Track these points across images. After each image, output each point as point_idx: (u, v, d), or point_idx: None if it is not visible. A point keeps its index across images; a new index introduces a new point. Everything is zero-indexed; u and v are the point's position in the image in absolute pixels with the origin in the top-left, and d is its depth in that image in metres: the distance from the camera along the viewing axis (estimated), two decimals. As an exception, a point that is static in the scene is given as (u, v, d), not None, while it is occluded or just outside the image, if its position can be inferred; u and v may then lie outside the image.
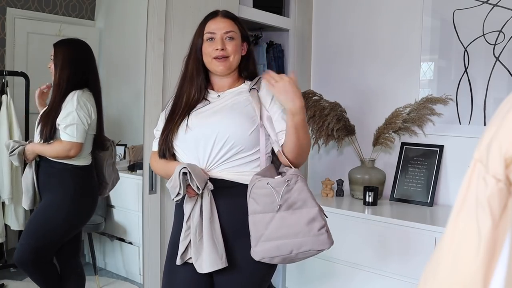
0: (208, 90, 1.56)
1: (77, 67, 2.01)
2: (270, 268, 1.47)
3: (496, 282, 0.51)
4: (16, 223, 2.09)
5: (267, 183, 1.34)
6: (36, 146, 1.96)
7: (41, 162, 1.98)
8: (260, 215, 1.35)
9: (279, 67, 2.91)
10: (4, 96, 2.00)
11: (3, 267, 2.15)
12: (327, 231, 1.37)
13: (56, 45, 2.02)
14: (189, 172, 1.35)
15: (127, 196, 2.38)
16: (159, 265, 2.13)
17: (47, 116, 1.94)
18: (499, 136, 0.52)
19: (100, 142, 2.12)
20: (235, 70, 1.55)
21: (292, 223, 1.34)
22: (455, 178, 2.43)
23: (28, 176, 1.95)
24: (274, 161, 1.54)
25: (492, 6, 2.27)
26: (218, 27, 1.50)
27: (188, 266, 1.43)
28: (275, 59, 2.90)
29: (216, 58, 1.48)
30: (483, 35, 2.31)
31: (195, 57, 1.54)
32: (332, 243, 1.37)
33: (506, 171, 0.51)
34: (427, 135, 2.52)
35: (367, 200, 2.41)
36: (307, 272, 2.46)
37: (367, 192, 2.41)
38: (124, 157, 2.41)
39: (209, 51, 1.49)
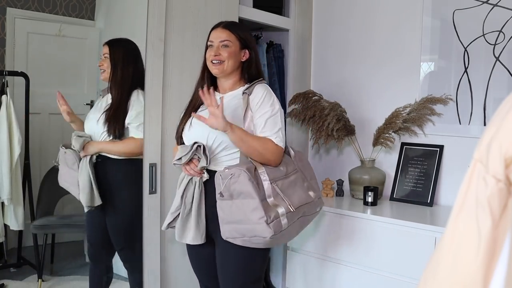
0: (216, 91, 1.78)
1: (137, 65, 2.04)
2: (255, 249, 1.65)
3: (496, 282, 0.51)
4: (15, 223, 2.09)
5: (220, 175, 1.58)
6: (102, 143, 1.96)
7: (102, 160, 1.97)
8: (220, 201, 1.60)
9: (279, 67, 2.91)
10: (4, 96, 2.00)
11: (3, 267, 2.15)
12: (267, 221, 1.54)
13: (112, 44, 2.04)
14: (203, 146, 1.63)
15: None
16: (159, 265, 2.13)
17: (116, 114, 1.96)
18: (499, 136, 0.52)
19: None
20: (234, 74, 1.78)
21: (240, 211, 1.56)
22: (455, 178, 2.43)
23: (85, 173, 1.91)
24: None
25: (492, 6, 2.27)
26: (216, 36, 1.76)
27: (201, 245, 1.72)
28: (275, 59, 2.90)
29: (212, 62, 1.74)
30: (483, 35, 2.31)
31: (204, 63, 1.81)
32: (272, 232, 1.54)
33: (506, 171, 0.51)
34: (427, 135, 2.52)
35: (367, 200, 2.41)
36: (307, 272, 2.46)
37: (367, 192, 2.41)
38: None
39: (208, 56, 1.77)
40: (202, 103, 1.76)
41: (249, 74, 1.79)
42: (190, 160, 1.65)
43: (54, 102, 2.04)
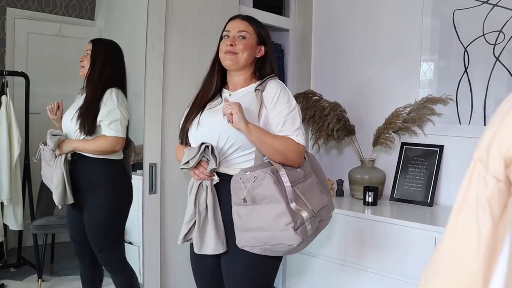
0: (224, 88, 1.70)
1: (116, 66, 2.03)
2: (267, 258, 1.55)
3: (496, 282, 0.51)
4: (15, 223, 2.09)
5: (240, 178, 1.45)
6: (75, 141, 1.94)
7: (78, 159, 1.95)
8: (237, 207, 1.48)
9: (279, 67, 2.91)
10: (4, 96, 2.00)
11: (3, 267, 2.15)
12: (294, 228, 1.43)
13: (96, 42, 2.03)
14: (211, 147, 1.51)
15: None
16: (159, 265, 2.13)
17: (87, 112, 1.93)
18: (499, 136, 0.52)
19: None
20: (246, 69, 1.66)
21: (262, 217, 1.44)
22: (455, 178, 2.43)
23: (58, 171, 1.89)
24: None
25: (492, 6, 2.27)
26: (233, 26, 1.66)
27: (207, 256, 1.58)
28: (275, 59, 2.90)
29: (226, 52, 1.62)
30: (483, 35, 2.31)
31: (215, 55, 1.70)
32: (300, 239, 1.44)
33: (506, 171, 0.51)
34: (427, 135, 2.52)
35: (367, 200, 2.41)
36: (307, 272, 2.46)
37: (367, 192, 2.41)
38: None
39: (222, 47, 1.65)
40: (210, 100, 1.66)
41: (262, 72, 1.68)
42: (198, 163, 1.52)
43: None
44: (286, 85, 2.95)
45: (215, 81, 1.68)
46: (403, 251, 2.11)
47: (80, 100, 2.00)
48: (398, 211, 2.33)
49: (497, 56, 2.28)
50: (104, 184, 1.99)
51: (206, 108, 1.64)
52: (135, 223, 2.23)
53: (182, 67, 2.18)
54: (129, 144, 2.12)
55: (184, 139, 1.68)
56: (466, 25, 2.36)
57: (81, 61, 2.00)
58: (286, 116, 1.55)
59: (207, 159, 1.51)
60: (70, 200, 1.89)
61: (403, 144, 2.58)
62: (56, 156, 1.91)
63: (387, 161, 2.65)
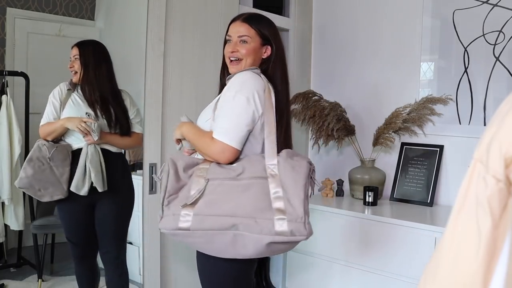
0: None
1: (108, 64, 2.07)
2: None
3: (496, 282, 0.51)
4: (15, 223, 2.09)
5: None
6: (109, 135, 2.04)
7: (103, 153, 2.01)
8: None
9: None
10: (4, 96, 2.00)
11: (3, 267, 2.15)
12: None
13: (81, 45, 2.03)
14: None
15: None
16: (159, 265, 2.13)
17: (118, 112, 2.07)
18: (499, 136, 0.52)
19: None
20: None
21: None
22: (455, 178, 2.43)
23: (96, 158, 1.95)
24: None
25: (492, 6, 2.27)
26: (234, 31, 1.59)
27: None
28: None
29: (230, 60, 1.58)
30: (483, 35, 2.31)
31: (223, 57, 1.64)
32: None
33: (506, 171, 0.51)
34: (427, 135, 2.52)
35: (367, 200, 2.41)
36: (307, 272, 2.46)
37: (367, 192, 2.41)
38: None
39: (225, 53, 1.60)
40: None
41: (268, 73, 1.58)
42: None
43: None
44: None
45: (222, 83, 1.64)
46: (403, 251, 2.11)
47: (77, 97, 2.01)
48: (398, 211, 2.33)
49: (497, 56, 2.28)
50: (124, 180, 2.12)
51: (209, 104, 1.64)
52: (135, 223, 2.23)
53: (182, 67, 2.18)
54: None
55: None
56: (466, 25, 2.36)
57: (71, 67, 2.02)
58: (222, 107, 1.46)
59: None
60: (105, 187, 1.96)
61: (403, 144, 2.58)
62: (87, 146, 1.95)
63: (387, 161, 2.65)
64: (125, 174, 2.14)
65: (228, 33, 1.60)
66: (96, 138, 1.93)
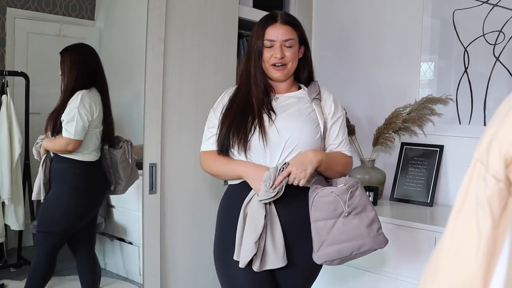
0: (268, 90, 1.59)
1: (83, 69, 2.06)
2: (321, 266, 1.60)
3: (496, 282, 0.51)
4: (16, 223, 2.09)
5: (331, 192, 1.41)
6: (45, 141, 2.06)
7: (53, 157, 2.06)
8: (323, 222, 1.42)
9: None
10: (4, 96, 2.00)
11: (3, 267, 2.15)
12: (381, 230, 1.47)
13: (62, 53, 2.06)
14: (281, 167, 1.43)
15: (127, 196, 2.37)
16: (159, 265, 2.13)
17: (53, 113, 2.03)
18: (499, 136, 0.52)
19: (110, 140, 2.15)
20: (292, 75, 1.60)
21: (354, 227, 1.41)
22: (455, 178, 2.43)
23: (39, 169, 2.04)
24: None
25: (492, 6, 2.27)
26: (277, 34, 1.51)
27: (245, 267, 1.43)
28: (275, 59, 2.90)
29: (274, 65, 1.52)
30: (483, 35, 2.31)
31: (255, 58, 1.54)
32: (387, 241, 1.46)
33: (506, 171, 0.51)
34: (427, 135, 2.52)
35: (367, 200, 2.41)
36: (307, 272, 2.45)
37: (367, 192, 2.40)
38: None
39: (268, 58, 1.52)
40: (260, 103, 1.52)
41: (304, 74, 1.62)
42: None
43: (54, 102, 2.05)
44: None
45: (263, 87, 1.55)
46: (403, 251, 2.11)
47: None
48: (398, 211, 2.33)
49: (497, 56, 2.28)
50: (60, 182, 2.09)
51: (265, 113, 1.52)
52: (135, 223, 2.23)
53: (182, 67, 2.18)
54: (116, 145, 2.19)
55: (226, 148, 1.51)
56: (466, 25, 2.36)
57: (60, 74, 2.06)
58: (341, 125, 1.59)
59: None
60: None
61: (403, 144, 2.58)
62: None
63: (387, 161, 2.65)
64: (64, 172, 2.15)
65: (269, 37, 1.51)
66: (35, 156, 2.07)
